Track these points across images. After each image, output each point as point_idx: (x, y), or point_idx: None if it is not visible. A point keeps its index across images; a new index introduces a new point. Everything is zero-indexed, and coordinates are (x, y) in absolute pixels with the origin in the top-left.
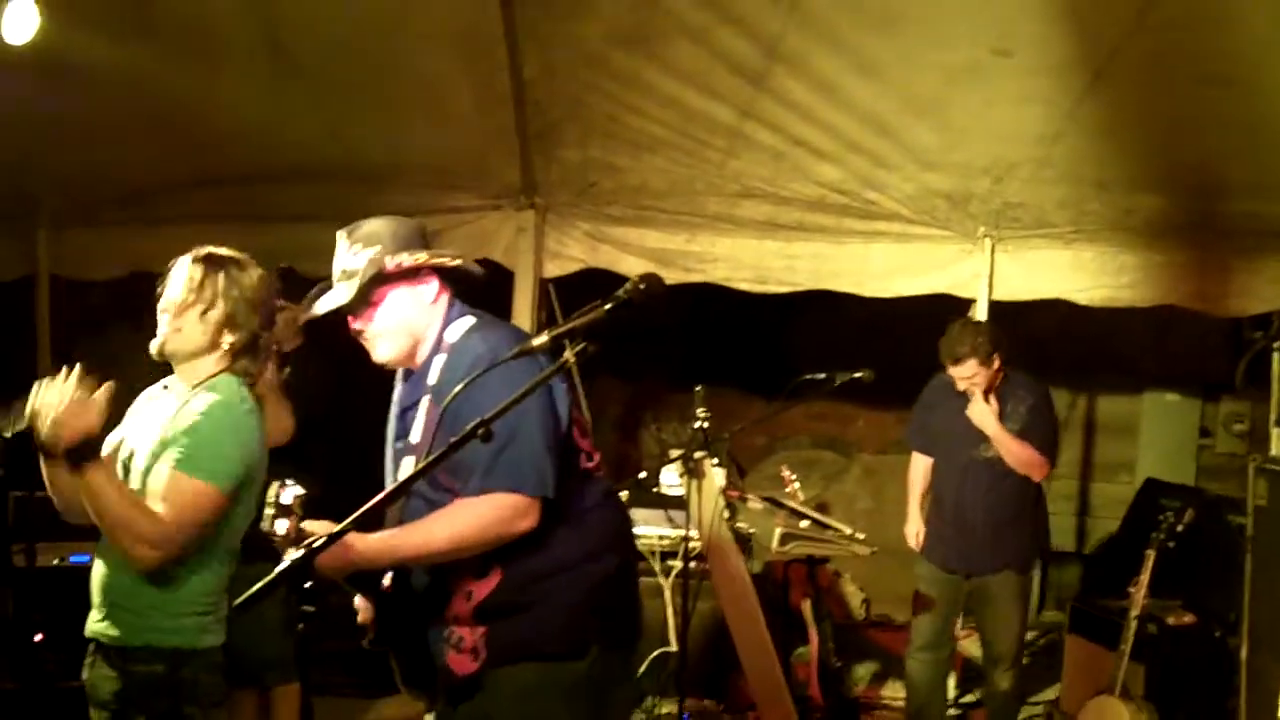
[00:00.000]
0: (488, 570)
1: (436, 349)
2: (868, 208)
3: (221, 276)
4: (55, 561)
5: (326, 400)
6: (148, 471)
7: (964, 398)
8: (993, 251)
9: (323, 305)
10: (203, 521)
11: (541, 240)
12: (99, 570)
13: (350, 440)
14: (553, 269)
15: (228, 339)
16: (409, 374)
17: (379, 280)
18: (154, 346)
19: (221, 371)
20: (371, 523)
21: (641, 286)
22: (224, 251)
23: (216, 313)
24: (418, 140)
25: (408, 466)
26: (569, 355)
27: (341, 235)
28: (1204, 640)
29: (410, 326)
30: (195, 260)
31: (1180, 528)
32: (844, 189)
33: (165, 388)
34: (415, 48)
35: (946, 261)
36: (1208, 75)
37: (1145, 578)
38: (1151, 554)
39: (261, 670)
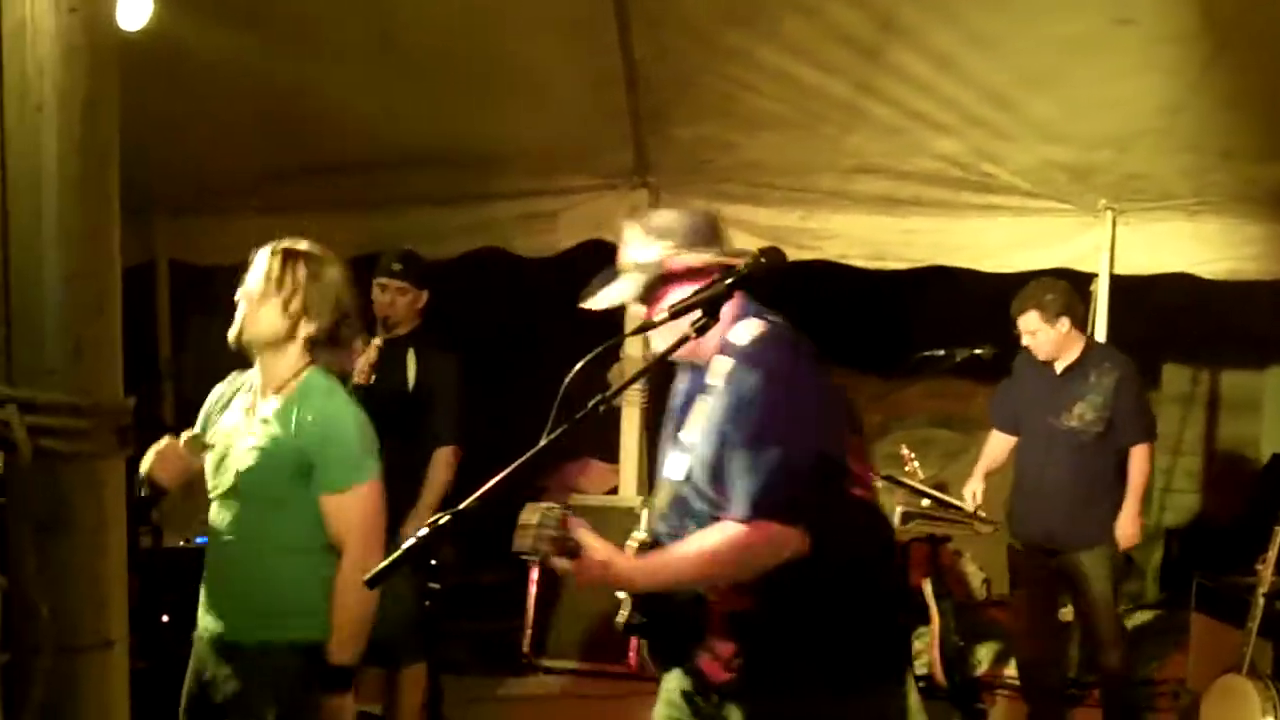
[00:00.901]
0: (743, 589)
1: (721, 349)
2: (986, 181)
3: (301, 268)
4: (180, 543)
5: (447, 384)
6: (250, 473)
7: (1046, 367)
8: (1114, 224)
9: (605, 298)
10: (378, 518)
11: None
12: (225, 575)
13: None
14: None
15: (305, 329)
16: (693, 365)
17: (664, 278)
18: (231, 334)
19: (304, 368)
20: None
21: (762, 260)
22: (303, 245)
23: (295, 304)
24: (530, 123)
25: (676, 463)
26: (688, 331)
27: (635, 226)
28: None
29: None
30: (274, 253)
31: None
32: (962, 162)
33: (250, 389)
34: (524, 33)
35: (1067, 235)
36: None
37: (1273, 554)
38: (1275, 530)
39: (389, 649)
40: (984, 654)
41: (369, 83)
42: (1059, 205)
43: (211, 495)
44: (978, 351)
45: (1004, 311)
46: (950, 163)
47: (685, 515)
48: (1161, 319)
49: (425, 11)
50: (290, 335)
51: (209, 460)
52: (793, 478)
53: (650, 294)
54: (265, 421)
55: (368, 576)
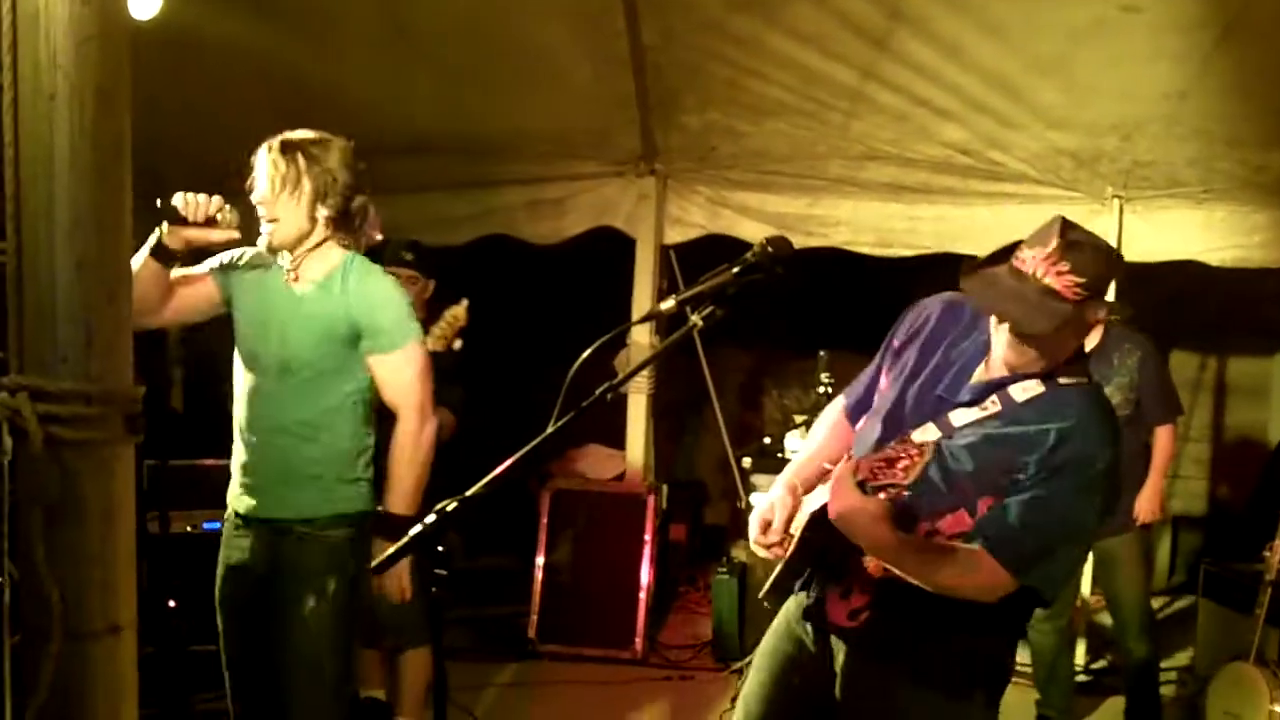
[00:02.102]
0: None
1: (1045, 378)
2: (993, 169)
3: (300, 156)
4: (188, 528)
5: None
6: (302, 343)
7: None
8: (1121, 212)
9: (1008, 319)
10: (428, 376)
11: (663, 206)
12: (267, 454)
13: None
14: (674, 235)
15: (321, 212)
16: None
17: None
18: (262, 244)
19: (324, 242)
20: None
21: (770, 250)
22: (298, 134)
23: (305, 193)
24: (538, 110)
25: (949, 423)
26: (695, 319)
27: (1056, 240)
28: None
29: (1052, 355)
30: (270, 149)
31: None
32: (969, 150)
33: (285, 271)
34: (533, 19)
35: (1076, 221)
36: None
37: (1277, 541)
38: None
39: (393, 634)
40: None
41: (379, 69)
42: (1066, 193)
43: (250, 370)
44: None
45: None
46: (957, 150)
47: (934, 483)
48: (1170, 306)
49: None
50: (313, 225)
51: (245, 331)
52: (1053, 559)
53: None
54: (308, 298)
55: (375, 563)
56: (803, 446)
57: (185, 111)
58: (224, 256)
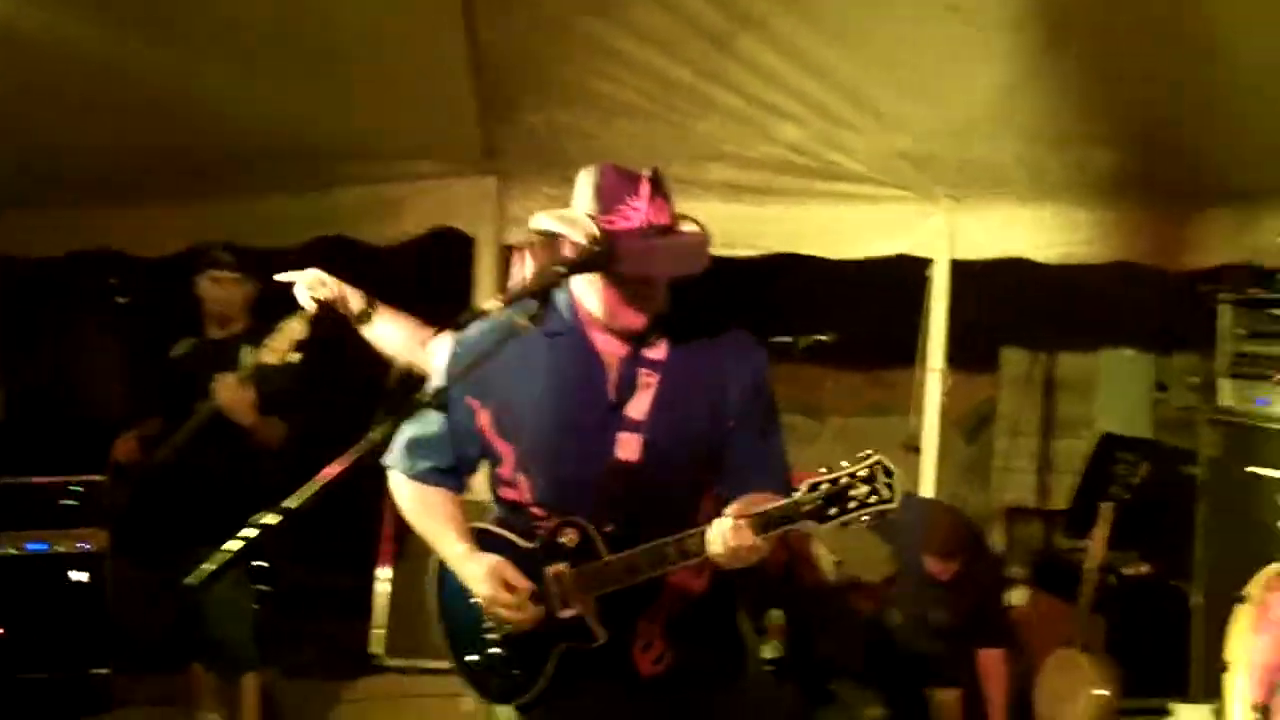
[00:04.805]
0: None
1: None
2: (831, 169)
3: None
4: (11, 550)
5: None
6: None
7: None
8: (952, 211)
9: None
10: None
11: (504, 207)
12: None
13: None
14: (516, 236)
15: None
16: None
17: None
18: None
19: None
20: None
21: (596, 249)
22: None
23: None
24: (374, 109)
25: (626, 443)
26: (520, 320)
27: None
28: (1161, 590)
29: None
30: None
31: (1136, 480)
32: (807, 151)
33: None
34: (368, 16)
35: (909, 222)
36: (1162, 33)
37: (1103, 531)
38: (1109, 507)
39: (225, 658)
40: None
41: (208, 68)
42: (901, 192)
43: None
44: (822, 338)
45: (852, 297)
46: (797, 150)
47: (643, 495)
48: (999, 304)
49: None
50: None
51: None
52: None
53: None
54: None
55: (192, 579)
56: None
57: (8, 114)
58: None
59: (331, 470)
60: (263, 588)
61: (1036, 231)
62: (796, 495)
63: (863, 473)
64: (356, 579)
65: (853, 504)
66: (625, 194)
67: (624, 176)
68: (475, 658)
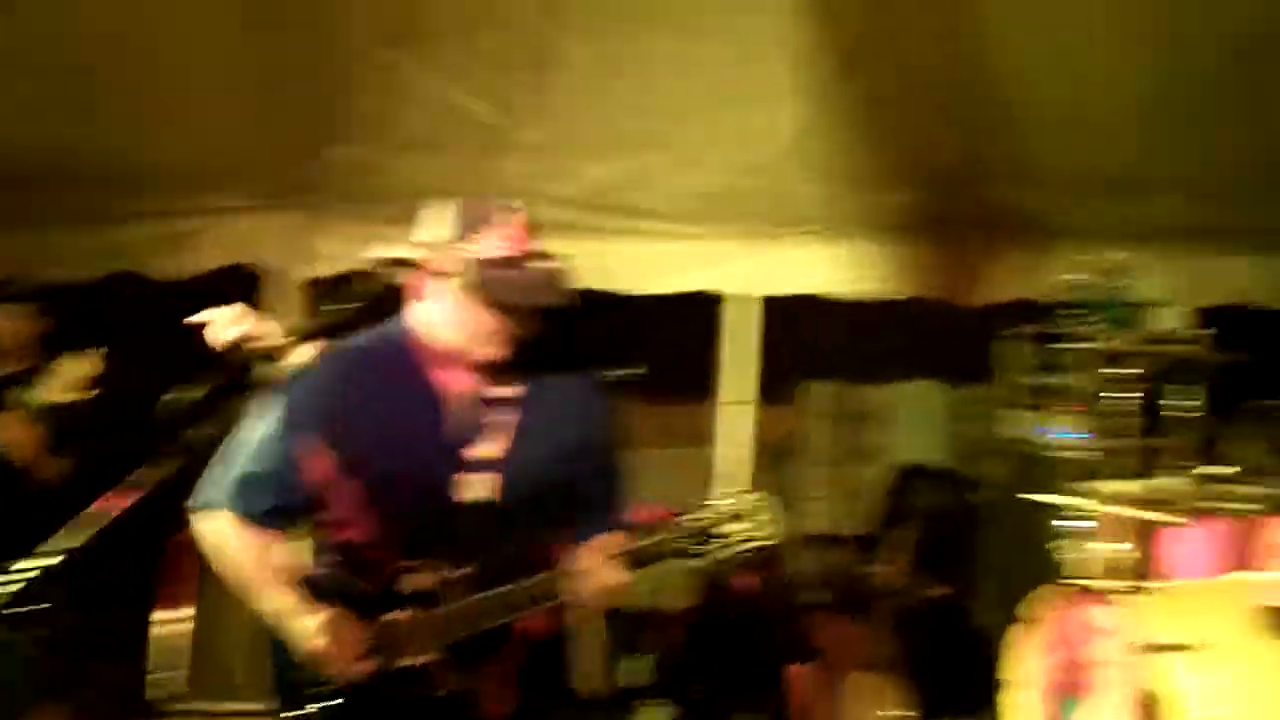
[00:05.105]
0: None
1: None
2: (635, 207)
3: None
4: None
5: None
6: None
7: None
8: (752, 248)
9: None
10: None
11: (305, 241)
12: None
13: None
14: (316, 270)
15: None
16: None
17: None
18: None
19: None
20: None
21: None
22: None
23: None
24: (167, 140)
25: (476, 483)
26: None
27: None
28: (956, 612)
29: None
30: None
31: (932, 507)
32: (611, 188)
33: None
34: (162, 45)
35: (714, 259)
36: (951, 75)
37: (901, 556)
38: (907, 533)
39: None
40: (639, 664)
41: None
42: (702, 229)
43: None
44: (628, 372)
45: (656, 333)
46: (600, 188)
47: (500, 537)
48: (800, 340)
49: (64, 17)
50: None
51: None
52: None
53: None
54: None
55: None
56: None
57: None
58: None
59: (111, 505)
60: (38, 631)
61: (834, 268)
62: (668, 532)
63: (732, 510)
64: (137, 621)
65: (724, 541)
66: (492, 223)
67: (490, 207)
68: (306, 711)
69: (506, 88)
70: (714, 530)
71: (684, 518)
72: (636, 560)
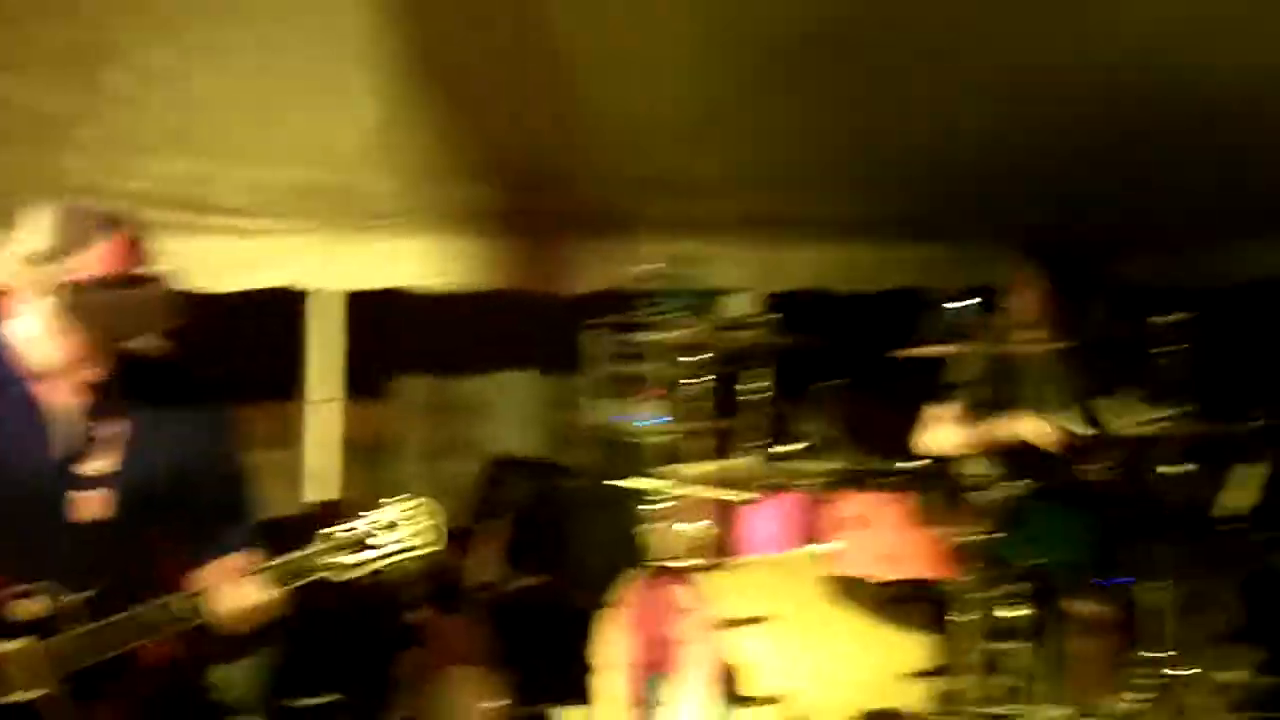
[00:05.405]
0: None
1: None
2: (207, 202)
3: None
4: None
5: None
6: None
7: None
8: (333, 243)
9: None
10: None
11: None
12: None
13: None
14: None
15: None
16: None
17: None
18: None
19: None
20: None
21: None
22: None
23: None
24: None
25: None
26: None
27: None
28: (552, 600)
29: None
30: None
31: (523, 498)
32: (181, 184)
33: None
34: None
35: (290, 254)
36: (522, 70)
37: (491, 548)
38: (500, 524)
39: None
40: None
41: None
42: (278, 224)
43: None
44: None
45: (238, 333)
46: (167, 183)
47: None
48: (390, 334)
49: None
50: None
51: None
52: None
53: None
54: None
55: None
56: None
57: None
58: None
59: None
60: None
61: (420, 262)
62: (315, 545)
63: (389, 518)
64: None
65: (380, 551)
66: (91, 240)
67: (92, 220)
68: None
69: (63, 80)
70: (369, 541)
71: (336, 528)
72: (284, 576)
